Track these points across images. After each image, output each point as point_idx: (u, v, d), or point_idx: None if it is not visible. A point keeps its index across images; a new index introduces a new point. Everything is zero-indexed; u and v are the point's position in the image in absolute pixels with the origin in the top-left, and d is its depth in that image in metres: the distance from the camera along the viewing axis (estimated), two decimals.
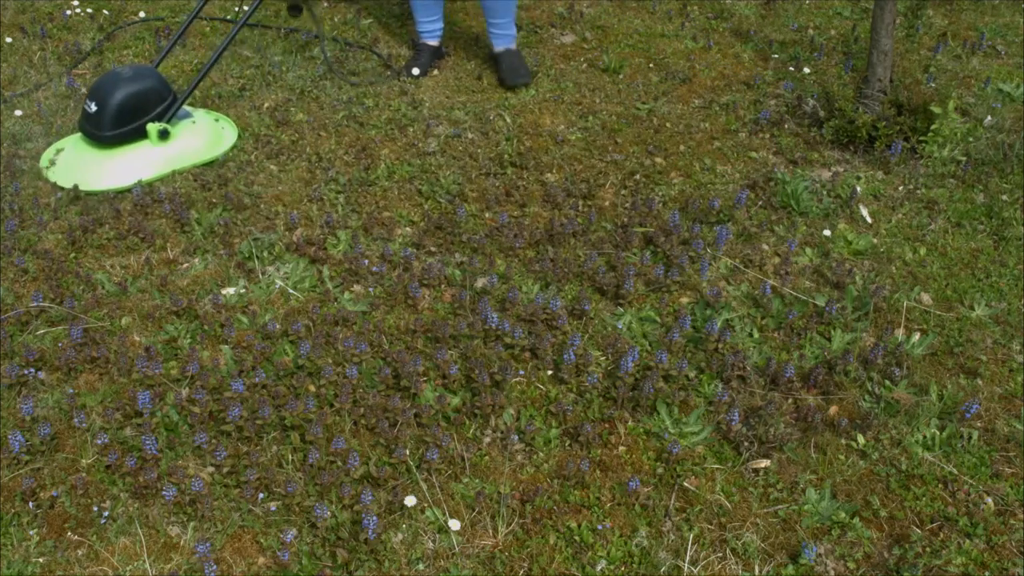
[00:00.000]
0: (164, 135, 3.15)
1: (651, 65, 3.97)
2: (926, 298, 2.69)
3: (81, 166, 3.14)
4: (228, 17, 4.31)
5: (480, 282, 2.71)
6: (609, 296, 2.69)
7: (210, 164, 3.24)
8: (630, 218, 2.98)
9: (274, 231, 2.94)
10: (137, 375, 2.38)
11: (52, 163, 3.18)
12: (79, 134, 3.24)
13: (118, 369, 2.42)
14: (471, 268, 2.77)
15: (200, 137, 3.27)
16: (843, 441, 2.27)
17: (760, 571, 1.99)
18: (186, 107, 3.34)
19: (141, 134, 3.15)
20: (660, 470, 2.20)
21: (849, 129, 3.32)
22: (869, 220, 3.01)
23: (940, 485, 2.16)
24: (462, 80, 3.80)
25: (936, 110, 3.23)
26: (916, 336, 2.54)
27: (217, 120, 3.40)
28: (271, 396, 2.31)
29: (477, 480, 2.17)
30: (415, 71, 3.78)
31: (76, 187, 3.05)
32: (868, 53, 3.43)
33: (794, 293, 2.68)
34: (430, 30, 3.82)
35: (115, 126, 3.10)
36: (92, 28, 4.18)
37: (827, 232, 2.94)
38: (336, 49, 4.02)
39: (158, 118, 3.16)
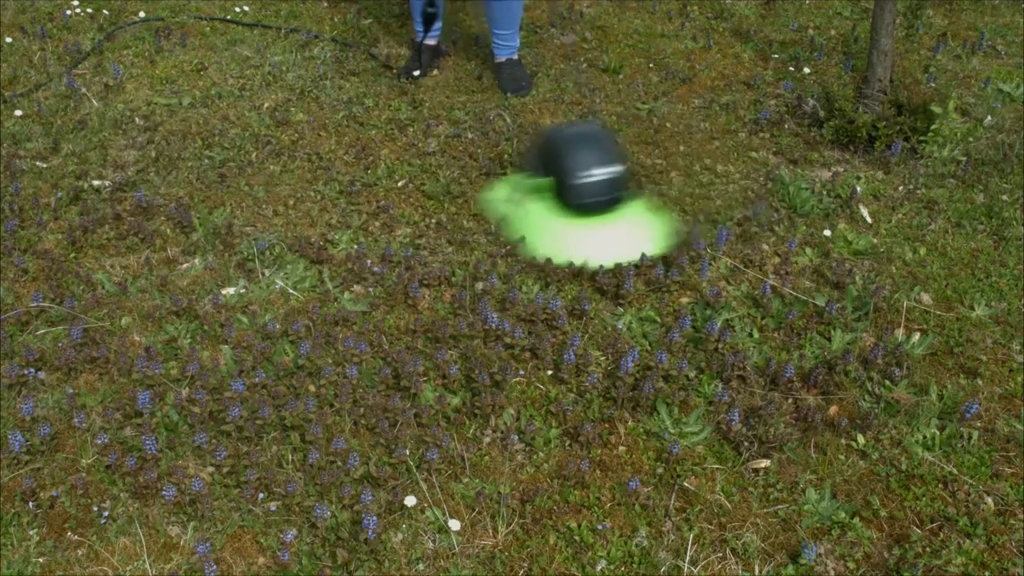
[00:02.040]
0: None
1: (651, 65, 3.97)
2: (926, 298, 2.69)
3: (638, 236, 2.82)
4: (228, 17, 4.31)
5: (479, 284, 2.71)
6: (609, 296, 2.69)
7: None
8: None
9: (274, 231, 2.94)
10: (137, 375, 2.38)
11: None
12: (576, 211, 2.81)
13: (118, 369, 2.42)
14: (471, 269, 2.77)
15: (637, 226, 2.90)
16: (843, 441, 2.27)
17: (760, 571, 1.99)
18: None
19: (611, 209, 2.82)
20: (660, 470, 2.20)
21: (849, 129, 3.32)
22: (869, 220, 3.01)
23: (940, 485, 2.16)
24: (462, 80, 3.80)
25: (936, 110, 3.23)
26: (916, 336, 2.54)
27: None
28: (271, 396, 2.31)
29: (477, 480, 2.17)
30: (415, 72, 3.78)
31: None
32: (868, 53, 3.43)
33: (794, 293, 2.68)
34: (429, 31, 3.80)
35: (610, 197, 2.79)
36: (92, 28, 4.18)
37: (827, 232, 2.94)
38: (336, 49, 4.02)
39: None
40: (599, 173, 2.73)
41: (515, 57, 3.77)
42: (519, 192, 2.95)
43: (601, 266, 2.71)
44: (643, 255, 2.73)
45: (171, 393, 2.34)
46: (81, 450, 2.22)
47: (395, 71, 3.85)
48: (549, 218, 2.82)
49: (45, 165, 3.25)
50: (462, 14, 4.37)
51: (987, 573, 1.98)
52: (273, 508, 2.10)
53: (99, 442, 2.21)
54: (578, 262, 2.74)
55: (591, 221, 2.78)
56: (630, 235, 2.82)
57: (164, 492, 2.07)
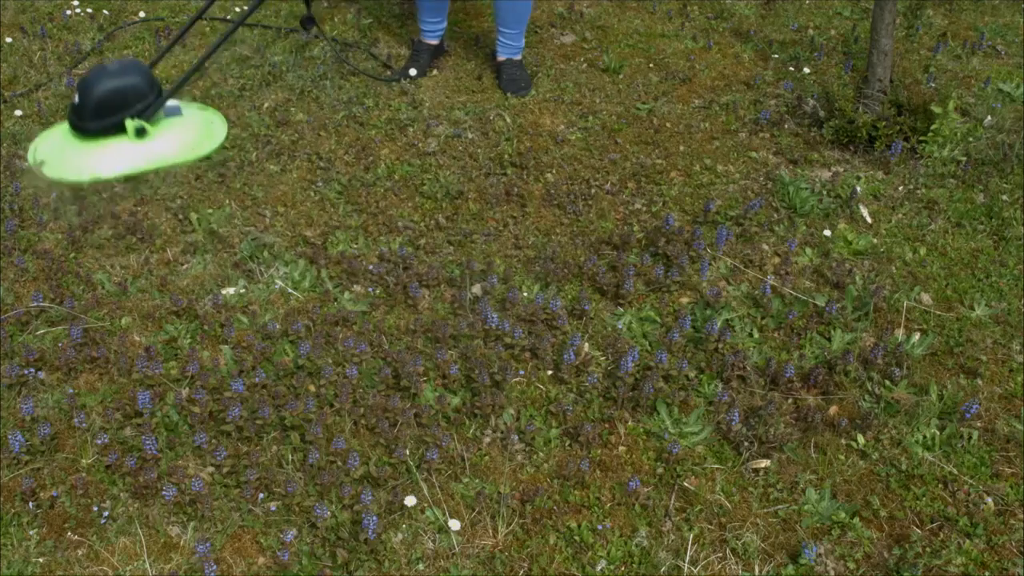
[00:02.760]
0: (141, 132, 3.04)
1: (651, 65, 3.97)
2: (926, 298, 2.69)
3: (62, 156, 3.07)
4: (228, 17, 4.31)
5: (476, 287, 2.70)
6: (609, 296, 2.69)
7: (203, 160, 3.19)
8: (629, 218, 2.98)
9: (274, 231, 2.94)
10: (137, 375, 2.38)
11: (35, 149, 3.14)
12: (65, 125, 3.14)
13: (118, 369, 2.42)
14: (471, 269, 2.77)
15: (186, 134, 3.19)
16: (843, 441, 2.27)
17: (760, 571, 1.99)
18: (177, 103, 3.25)
19: (121, 129, 3.04)
20: (660, 470, 2.20)
21: (849, 129, 3.32)
22: (869, 220, 3.01)
23: (940, 485, 2.16)
24: (462, 80, 3.80)
25: (936, 110, 3.23)
26: (916, 336, 2.54)
27: (207, 114, 3.35)
28: (271, 396, 2.31)
29: (477, 480, 2.17)
30: (412, 71, 3.77)
31: (40, 166, 3.02)
32: (868, 53, 3.43)
33: (794, 293, 2.68)
34: (433, 30, 3.81)
35: (94, 119, 3.00)
36: (92, 28, 4.18)
37: (827, 232, 2.94)
38: (337, 49, 4.02)
39: (139, 114, 3.04)
40: (74, 96, 2.99)
41: (517, 58, 3.76)
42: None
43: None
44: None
45: (171, 393, 2.34)
46: (81, 450, 2.22)
47: (391, 71, 3.85)
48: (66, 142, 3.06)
49: None
50: (462, 14, 4.37)
51: (987, 573, 1.98)
52: (273, 508, 2.10)
53: (99, 442, 2.21)
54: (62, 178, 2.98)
55: (80, 140, 3.01)
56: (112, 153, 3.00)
57: (164, 492, 2.07)
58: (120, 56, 3.97)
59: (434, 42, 3.86)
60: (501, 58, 3.75)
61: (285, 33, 4.15)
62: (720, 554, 2.03)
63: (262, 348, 2.46)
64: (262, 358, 2.44)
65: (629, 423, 2.31)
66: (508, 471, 2.20)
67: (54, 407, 2.33)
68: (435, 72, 3.85)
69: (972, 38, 4.12)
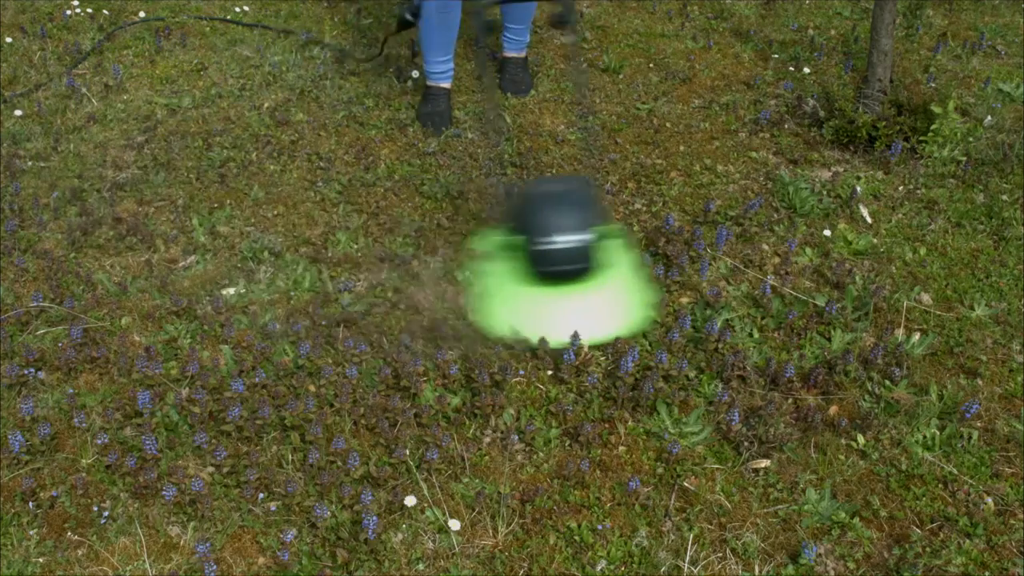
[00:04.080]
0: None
1: (651, 65, 3.97)
2: (926, 298, 2.69)
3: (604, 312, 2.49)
4: (228, 17, 4.31)
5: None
6: None
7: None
8: (629, 218, 2.98)
9: (274, 231, 2.94)
10: (137, 375, 2.38)
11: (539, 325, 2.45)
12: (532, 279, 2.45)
13: (118, 369, 2.42)
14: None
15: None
16: (843, 441, 2.27)
17: (760, 571, 1.99)
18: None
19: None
20: (660, 470, 2.20)
21: (849, 129, 3.32)
22: (869, 220, 3.01)
23: (940, 485, 2.16)
24: (462, 80, 3.80)
25: (936, 110, 3.23)
26: (916, 336, 2.54)
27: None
28: (271, 396, 2.31)
29: (477, 480, 2.17)
30: (443, 128, 3.42)
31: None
32: (868, 53, 3.43)
33: (794, 293, 2.68)
34: (442, 71, 3.49)
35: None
36: (92, 28, 4.18)
37: (827, 232, 2.94)
38: (336, 49, 4.02)
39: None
40: (563, 240, 2.34)
41: (522, 55, 3.74)
42: (495, 248, 2.57)
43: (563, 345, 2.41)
44: (616, 338, 2.44)
45: (171, 393, 2.34)
46: (81, 450, 2.22)
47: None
48: (513, 284, 2.45)
49: (45, 165, 3.25)
50: (462, 13, 4.37)
51: (987, 573, 1.98)
52: (273, 508, 2.10)
53: (99, 442, 2.21)
54: (534, 339, 2.42)
55: (555, 291, 2.40)
56: (598, 310, 2.46)
57: (164, 492, 2.07)
58: (118, 56, 3.96)
59: (446, 85, 3.51)
60: (507, 54, 3.73)
61: (285, 33, 4.15)
62: (720, 554, 2.03)
63: (262, 348, 2.46)
64: (262, 358, 2.44)
65: (629, 423, 2.31)
66: (508, 471, 2.20)
67: (54, 407, 2.33)
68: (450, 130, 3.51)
69: (972, 38, 4.12)
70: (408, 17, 3.06)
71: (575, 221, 2.36)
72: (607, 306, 2.47)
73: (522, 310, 2.44)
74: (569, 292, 2.41)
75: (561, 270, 2.37)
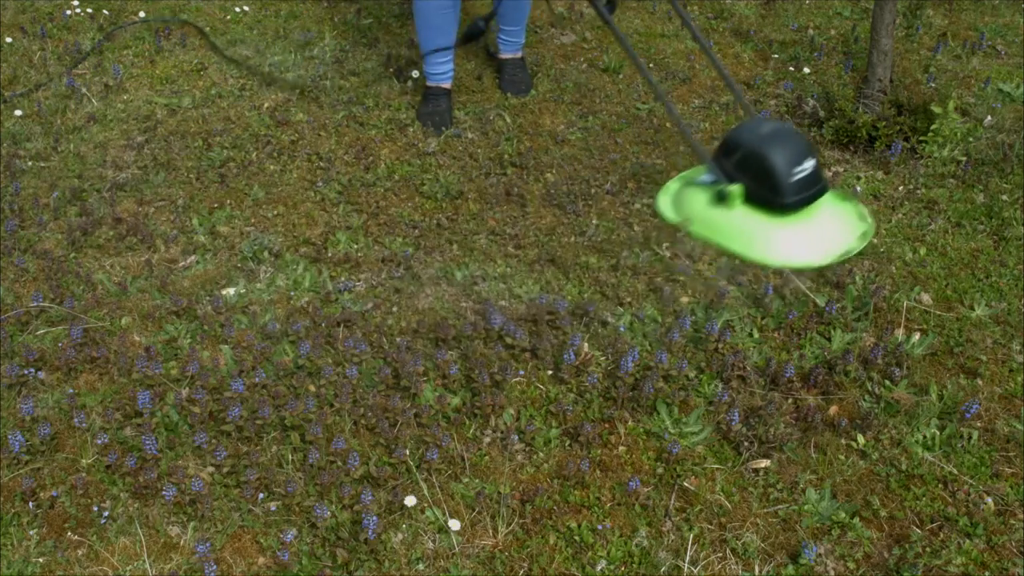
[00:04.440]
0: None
1: (651, 65, 3.97)
2: (926, 298, 2.69)
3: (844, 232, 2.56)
4: (228, 17, 4.31)
5: (479, 286, 2.71)
6: (609, 296, 2.69)
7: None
8: (629, 218, 2.98)
9: (274, 231, 2.94)
10: (137, 375, 2.38)
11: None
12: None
13: (118, 369, 2.42)
14: (470, 269, 2.77)
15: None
16: (843, 441, 2.27)
17: (760, 571, 1.99)
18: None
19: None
20: (660, 470, 2.20)
21: (849, 129, 3.32)
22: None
23: (940, 485, 2.16)
24: (462, 80, 3.80)
25: (936, 110, 3.23)
26: (916, 336, 2.54)
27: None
28: (271, 396, 2.31)
29: (477, 480, 2.17)
30: (443, 128, 3.44)
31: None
32: (868, 53, 3.43)
33: (794, 293, 2.68)
34: (442, 72, 3.51)
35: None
36: (92, 28, 4.18)
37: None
38: (336, 49, 4.02)
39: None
40: (807, 167, 2.45)
41: (519, 55, 3.74)
42: (696, 199, 2.61)
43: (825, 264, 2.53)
44: (853, 248, 2.51)
45: (171, 393, 2.34)
46: (81, 450, 2.22)
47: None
48: (755, 222, 2.50)
49: (45, 165, 3.25)
50: (462, 13, 4.37)
51: (987, 573, 1.98)
52: (273, 508, 2.10)
53: (99, 442, 2.21)
54: (796, 263, 2.55)
55: (800, 218, 2.49)
56: (838, 227, 2.56)
57: (164, 492, 2.07)
58: (118, 56, 3.96)
59: (447, 86, 3.52)
60: (504, 56, 3.74)
61: (285, 33, 4.15)
62: (720, 554, 2.03)
63: (262, 348, 2.46)
64: (262, 358, 2.44)
65: (629, 423, 2.31)
66: (508, 471, 2.20)
67: (54, 407, 2.33)
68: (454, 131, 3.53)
69: (972, 38, 4.12)
70: (480, 24, 3.14)
71: (803, 149, 2.47)
72: (842, 221, 2.57)
73: (780, 240, 2.50)
74: (812, 215, 2.49)
75: (810, 194, 2.47)
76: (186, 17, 4.30)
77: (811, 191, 2.46)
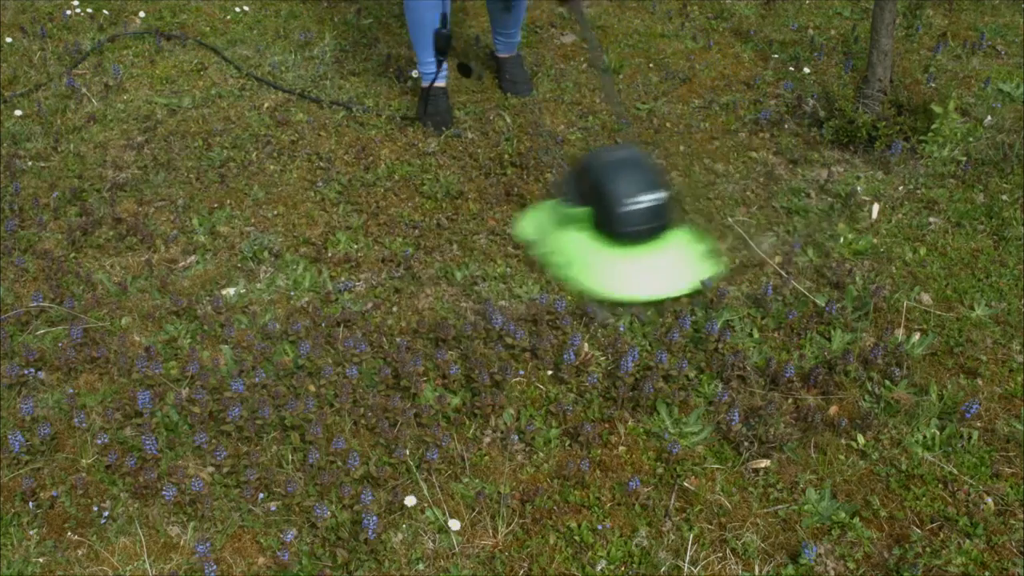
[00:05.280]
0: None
1: (651, 65, 3.97)
2: (926, 298, 2.69)
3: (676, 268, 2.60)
4: (228, 17, 4.31)
5: (479, 286, 2.71)
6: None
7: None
8: None
9: (274, 231, 2.94)
10: (137, 375, 2.38)
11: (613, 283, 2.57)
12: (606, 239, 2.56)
13: (118, 369, 2.42)
14: (470, 269, 2.77)
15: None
16: (843, 441, 2.27)
17: (760, 571, 1.99)
18: None
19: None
20: (660, 470, 2.20)
21: (849, 129, 3.32)
22: (875, 216, 3.00)
23: (940, 485, 2.16)
24: (462, 80, 3.80)
25: (936, 110, 3.23)
26: (916, 336, 2.54)
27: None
28: (271, 396, 2.31)
29: (477, 480, 2.17)
30: (444, 128, 3.45)
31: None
32: (868, 53, 3.43)
33: (794, 293, 2.68)
34: (442, 71, 3.48)
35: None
36: (92, 28, 4.18)
37: (827, 232, 2.94)
38: (336, 49, 4.02)
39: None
40: (645, 200, 2.45)
41: (515, 54, 3.75)
42: (552, 221, 2.71)
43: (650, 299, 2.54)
44: (702, 283, 2.59)
45: (171, 393, 2.34)
46: (81, 450, 2.22)
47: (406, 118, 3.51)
48: (592, 249, 2.53)
49: (45, 165, 3.25)
50: (462, 14, 4.37)
51: (987, 573, 1.98)
52: (273, 508, 2.10)
53: (99, 442, 2.21)
54: (623, 297, 2.54)
55: (636, 251, 2.49)
56: (675, 265, 2.58)
57: (164, 492, 2.07)
58: (118, 57, 3.96)
59: (442, 84, 3.51)
60: (503, 55, 3.74)
61: (284, 32, 4.15)
62: (720, 554, 2.03)
63: (262, 348, 2.46)
64: (262, 358, 2.44)
65: (629, 423, 2.31)
66: (508, 471, 2.20)
67: (54, 407, 2.33)
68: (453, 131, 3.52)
69: (972, 38, 4.12)
70: (471, 67, 3.24)
71: (650, 182, 2.49)
72: (684, 260, 2.61)
73: (609, 271, 2.55)
74: (650, 249, 2.51)
75: (645, 228, 2.49)
76: (186, 17, 4.30)
77: (645, 225, 2.46)
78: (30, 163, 3.25)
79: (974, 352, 2.51)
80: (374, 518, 1.99)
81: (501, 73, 3.75)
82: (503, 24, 3.63)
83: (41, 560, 1.99)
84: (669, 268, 2.55)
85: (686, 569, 1.98)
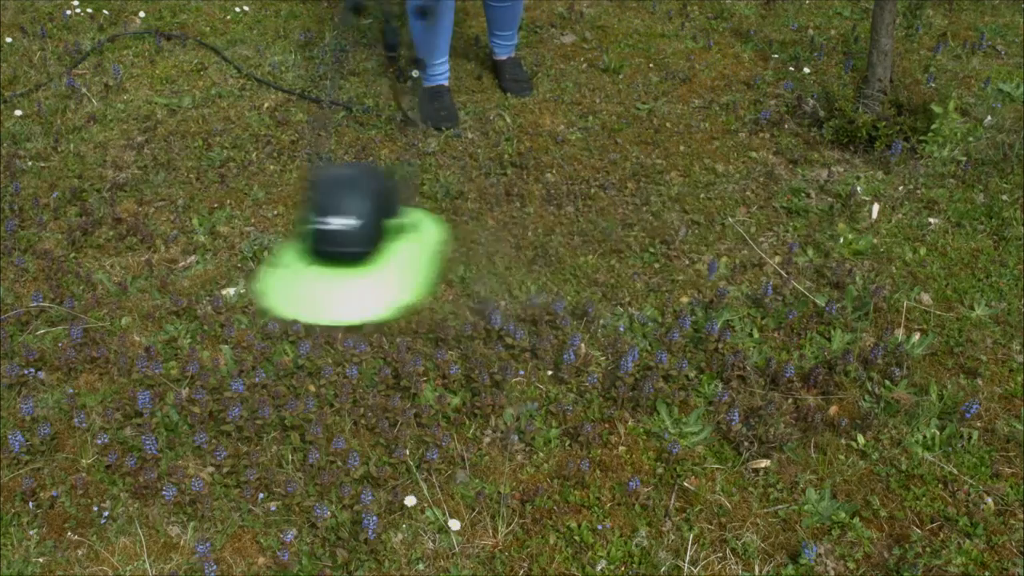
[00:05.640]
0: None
1: (651, 65, 3.97)
2: (926, 298, 2.69)
3: (301, 291, 2.65)
4: (228, 17, 4.31)
5: (478, 286, 2.71)
6: (609, 296, 2.69)
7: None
8: (629, 218, 2.98)
9: (274, 231, 2.94)
10: (137, 375, 2.38)
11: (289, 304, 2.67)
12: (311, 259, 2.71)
13: (118, 369, 2.42)
14: (470, 269, 2.76)
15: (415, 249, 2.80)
16: (843, 441, 2.27)
17: (760, 571, 1.99)
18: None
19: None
20: (660, 470, 2.20)
21: (849, 129, 3.32)
22: (876, 216, 3.00)
23: (940, 485, 2.16)
24: (462, 80, 3.80)
25: (936, 110, 3.23)
26: (916, 336, 2.54)
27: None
28: (271, 396, 2.31)
29: (477, 480, 2.17)
30: (445, 125, 3.45)
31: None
32: (868, 53, 3.43)
33: (794, 293, 2.68)
34: (440, 72, 3.54)
35: (373, 242, 2.65)
36: (92, 28, 4.18)
37: (827, 232, 2.94)
38: (336, 49, 4.02)
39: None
40: (334, 223, 2.30)
41: (514, 55, 3.76)
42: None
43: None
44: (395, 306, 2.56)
45: (171, 393, 2.34)
46: (81, 450, 2.22)
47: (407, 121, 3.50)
48: (294, 271, 2.45)
49: (45, 165, 3.25)
50: (462, 14, 4.37)
51: (987, 573, 1.98)
52: (273, 508, 2.10)
53: (99, 442, 2.21)
54: (306, 319, 2.58)
55: (331, 273, 2.39)
56: (370, 290, 2.41)
57: (164, 492, 2.07)
58: (118, 57, 3.96)
59: (446, 83, 3.55)
60: (501, 57, 3.75)
61: (285, 32, 4.15)
62: (720, 554, 2.02)
63: (262, 348, 2.46)
64: (262, 358, 2.44)
65: (629, 423, 2.31)
66: (508, 471, 2.20)
67: (54, 407, 2.33)
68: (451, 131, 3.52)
69: (972, 38, 4.12)
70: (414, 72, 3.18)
71: (353, 206, 2.34)
72: (373, 289, 2.43)
73: (294, 289, 2.45)
74: (341, 273, 2.39)
75: (331, 251, 2.36)
76: (186, 17, 4.30)
77: (329, 248, 2.32)
78: (30, 163, 3.24)
79: (974, 352, 2.51)
80: (374, 518, 1.99)
81: (500, 75, 3.75)
82: (499, 25, 3.63)
83: (41, 560, 1.99)
84: (360, 294, 2.39)
85: (686, 569, 1.98)
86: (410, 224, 2.43)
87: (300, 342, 2.44)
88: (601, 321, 2.59)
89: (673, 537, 2.06)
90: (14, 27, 4.16)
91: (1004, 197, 3.10)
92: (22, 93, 3.64)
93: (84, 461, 2.20)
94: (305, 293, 2.39)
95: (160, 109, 3.58)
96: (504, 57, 3.74)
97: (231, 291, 2.70)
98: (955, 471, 2.19)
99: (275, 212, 3.03)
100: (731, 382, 2.39)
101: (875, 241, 2.91)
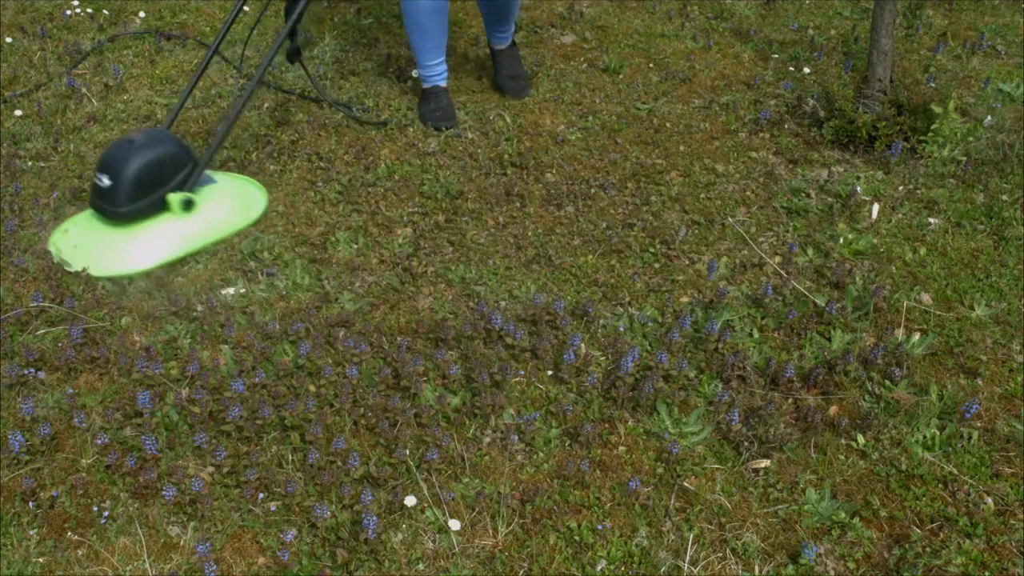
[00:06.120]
0: (188, 205, 2.80)
1: (651, 65, 3.97)
2: (926, 298, 2.69)
3: (95, 247, 2.77)
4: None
5: (479, 286, 2.71)
6: (609, 296, 2.69)
7: (240, 233, 2.92)
8: (629, 218, 2.98)
9: (274, 231, 2.94)
10: (137, 375, 2.38)
11: (59, 247, 2.81)
12: (90, 211, 2.85)
13: (118, 369, 2.42)
14: (469, 269, 2.77)
15: (227, 204, 2.92)
16: (843, 441, 2.27)
17: (760, 571, 1.99)
18: (207, 172, 2.97)
19: (161, 206, 2.80)
20: (660, 470, 2.20)
21: (849, 129, 3.32)
22: (876, 216, 3.00)
23: (940, 485, 2.16)
24: (462, 80, 3.80)
25: (936, 110, 3.23)
26: (916, 336, 2.54)
27: (242, 182, 3.10)
28: (271, 396, 2.31)
29: (477, 480, 2.17)
30: (443, 126, 3.47)
31: (85, 270, 2.71)
32: (868, 53, 3.43)
33: (794, 293, 2.69)
34: (438, 72, 3.54)
35: (131, 200, 2.73)
36: (92, 28, 4.18)
37: (827, 232, 2.94)
38: (336, 49, 4.02)
39: (179, 187, 2.81)
40: (99, 178, 2.74)
41: (513, 45, 3.73)
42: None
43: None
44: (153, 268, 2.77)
45: (171, 393, 2.34)
46: (81, 450, 2.22)
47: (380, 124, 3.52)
48: (84, 222, 2.86)
49: (45, 165, 3.25)
50: (462, 14, 4.37)
51: (987, 573, 1.98)
52: (273, 508, 2.10)
53: (99, 442, 2.21)
54: (80, 268, 2.72)
55: (97, 223, 2.82)
56: (140, 242, 2.79)
57: (164, 492, 2.07)
58: (118, 56, 3.97)
59: (443, 84, 3.56)
60: (499, 47, 3.72)
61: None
62: (720, 554, 2.03)
63: (262, 348, 2.46)
64: (262, 358, 2.44)
65: (629, 423, 2.31)
66: (508, 471, 2.20)
67: (54, 407, 2.33)
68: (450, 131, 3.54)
69: (972, 38, 4.12)
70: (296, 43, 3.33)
71: (115, 164, 2.74)
72: (123, 243, 2.81)
73: (69, 237, 2.84)
74: (104, 226, 2.82)
75: (98, 204, 2.79)
76: (186, 17, 4.30)
77: (98, 201, 2.77)
78: (30, 163, 3.25)
79: (974, 352, 2.51)
80: (374, 518, 1.99)
81: (497, 68, 3.73)
82: (496, 20, 3.62)
83: (41, 560, 1.99)
84: (131, 245, 2.78)
85: (686, 569, 1.98)
86: (203, 191, 2.87)
87: (300, 342, 2.44)
88: (601, 321, 2.59)
89: (673, 537, 2.06)
90: (14, 27, 4.16)
91: (1004, 197, 3.10)
92: (22, 93, 3.64)
93: (84, 461, 2.20)
94: (81, 245, 2.80)
95: (160, 109, 3.58)
96: (501, 46, 3.72)
97: (231, 291, 2.70)
98: (955, 471, 2.19)
99: (275, 212, 3.03)
100: (731, 382, 2.40)
101: (875, 241, 2.91)
